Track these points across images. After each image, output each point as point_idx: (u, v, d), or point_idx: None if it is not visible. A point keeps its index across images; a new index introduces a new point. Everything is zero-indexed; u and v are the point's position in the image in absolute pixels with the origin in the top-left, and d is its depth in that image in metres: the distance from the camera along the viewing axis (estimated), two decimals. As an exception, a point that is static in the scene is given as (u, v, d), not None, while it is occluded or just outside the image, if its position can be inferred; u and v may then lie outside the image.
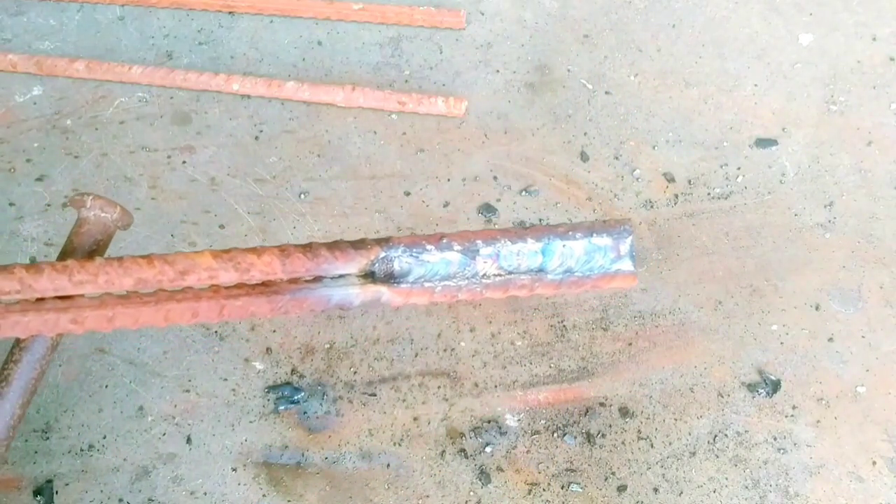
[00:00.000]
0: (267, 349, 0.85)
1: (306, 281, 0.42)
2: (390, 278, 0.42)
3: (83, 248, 0.53)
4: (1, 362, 0.60)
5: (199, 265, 0.40)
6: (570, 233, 0.45)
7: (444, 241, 0.43)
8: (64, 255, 0.54)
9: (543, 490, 0.79)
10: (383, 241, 0.42)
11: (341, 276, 0.42)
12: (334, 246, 0.42)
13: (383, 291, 0.42)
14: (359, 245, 0.42)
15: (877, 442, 0.81)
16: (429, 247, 0.42)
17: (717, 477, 0.79)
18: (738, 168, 0.97)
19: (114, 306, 0.39)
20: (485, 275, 0.44)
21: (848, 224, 0.92)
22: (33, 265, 0.38)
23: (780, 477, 0.79)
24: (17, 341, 0.48)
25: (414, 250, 0.42)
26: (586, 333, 0.87)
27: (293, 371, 0.84)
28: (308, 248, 0.41)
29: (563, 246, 0.45)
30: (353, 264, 0.42)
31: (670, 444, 0.81)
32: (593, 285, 0.46)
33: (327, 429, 0.82)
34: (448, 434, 0.82)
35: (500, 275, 0.44)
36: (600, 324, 0.87)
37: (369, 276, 0.42)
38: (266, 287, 0.42)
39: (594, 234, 0.45)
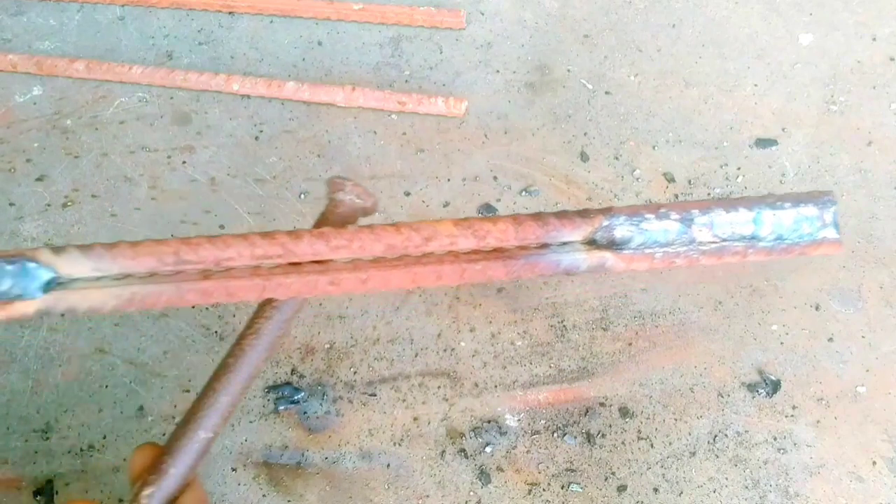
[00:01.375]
0: (267, 349, 0.85)
1: (534, 247, 0.43)
2: (612, 245, 0.43)
3: (334, 226, 0.55)
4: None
5: (441, 232, 0.41)
6: (779, 203, 0.46)
7: (662, 210, 0.44)
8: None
9: (543, 490, 0.79)
10: (606, 210, 0.43)
11: (565, 243, 0.43)
12: (562, 215, 0.43)
13: (608, 257, 0.43)
14: (584, 214, 0.43)
15: (877, 442, 0.81)
16: (648, 216, 0.44)
17: (717, 477, 0.79)
18: (738, 168, 0.97)
19: (367, 269, 0.41)
20: (700, 242, 0.45)
21: (848, 224, 0.93)
22: (293, 231, 0.40)
23: (780, 477, 0.79)
24: (269, 301, 0.49)
25: (634, 219, 0.43)
26: (586, 333, 0.87)
27: (293, 371, 0.84)
28: (538, 216, 0.43)
29: (774, 215, 0.46)
30: (579, 232, 0.43)
31: (670, 444, 0.81)
32: (801, 252, 0.48)
33: (327, 429, 0.82)
34: (448, 434, 0.81)
35: (714, 242, 0.45)
36: (600, 324, 0.87)
37: (592, 244, 0.43)
38: (500, 253, 0.43)
39: (801, 204, 0.46)
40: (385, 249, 0.41)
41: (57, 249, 0.36)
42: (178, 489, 0.46)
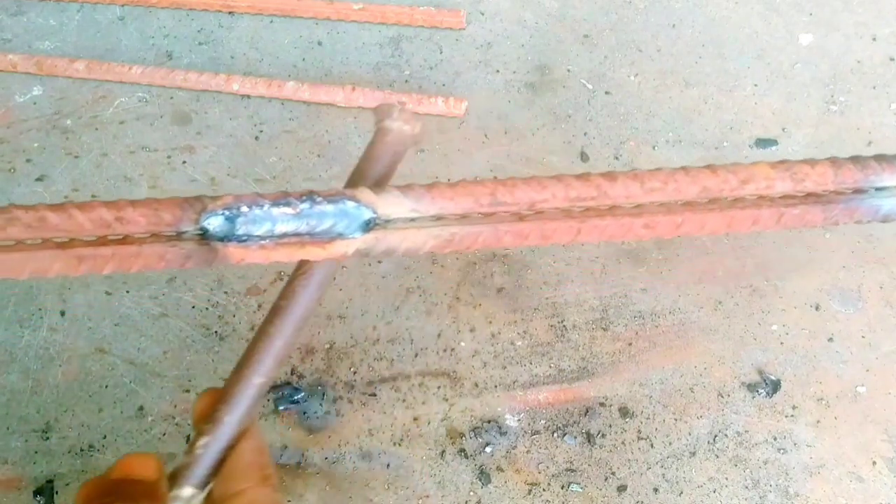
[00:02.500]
0: (267, 349, 0.85)
1: (850, 192, 0.42)
2: None
3: (384, 156, 0.53)
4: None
5: (758, 175, 0.40)
6: None
7: None
8: (362, 163, 0.53)
9: (543, 490, 0.79)
10: None
11: (881, 188, 0.42)
12: (881, 158, 0.42)
13: None
14: None
15: (877, 442, 0.81)
16: None
17: (717, 477, 0.79)
18: (738, 168, 0.97)
19: (682, 213, 0.40)
20: None
21: (848, 224, 0.92)
22: (608, 173, 0.39)
23: (780, 477, 0.79)
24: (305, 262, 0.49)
25: None
26: (586, 333, 0.87)
27: (293, 371, 0.84)
28: (857, 160, 0.42)
29: None
30: None
31: (670, 444, 0.81)
32: None
33: (327, 429, 0.82)
34: (448, 434, 0.82)
35: None
36: (600, 324, 0.87)
37: None
38: (816, 197, 0.42)
39: None
40: (699, 192, 0.40)
41: (377, 189, 0.36)
42: (234, 437, 0.46)
